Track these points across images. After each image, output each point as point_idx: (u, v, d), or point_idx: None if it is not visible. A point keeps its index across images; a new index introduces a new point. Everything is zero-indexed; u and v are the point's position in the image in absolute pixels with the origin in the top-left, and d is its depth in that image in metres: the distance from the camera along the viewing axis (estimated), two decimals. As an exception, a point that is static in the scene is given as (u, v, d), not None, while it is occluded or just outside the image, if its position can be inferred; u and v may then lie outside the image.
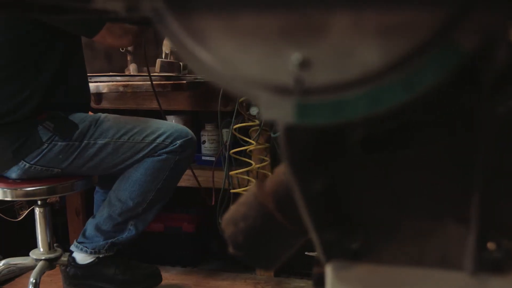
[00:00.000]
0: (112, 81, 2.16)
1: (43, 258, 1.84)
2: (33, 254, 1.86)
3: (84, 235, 1.89)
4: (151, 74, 2.13)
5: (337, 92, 0.38)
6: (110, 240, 1.86)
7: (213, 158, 2.32)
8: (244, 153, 2.20)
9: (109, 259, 1.87)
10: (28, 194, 1.76)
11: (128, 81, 2.15)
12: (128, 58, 2.48)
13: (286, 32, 0.38)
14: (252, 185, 0.65)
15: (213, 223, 2.36)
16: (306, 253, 2.28)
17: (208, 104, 2.27)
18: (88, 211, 2.52)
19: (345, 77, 0.38)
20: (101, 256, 1.86)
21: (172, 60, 2.22)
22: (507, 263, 0.50)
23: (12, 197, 1.77)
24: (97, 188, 2.06)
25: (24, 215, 2.29)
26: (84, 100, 1.91)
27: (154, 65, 2.32)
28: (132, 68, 2.44)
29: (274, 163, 2.21)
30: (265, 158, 2.20)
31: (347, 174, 0.51)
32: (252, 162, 2.15)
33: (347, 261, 0.57)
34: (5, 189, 1.74)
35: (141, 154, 1.80)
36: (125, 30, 1.83)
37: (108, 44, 1.87)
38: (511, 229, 0.50)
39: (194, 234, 2.41)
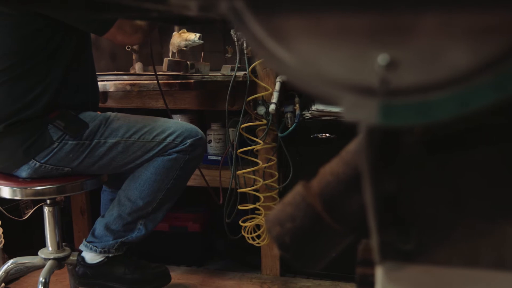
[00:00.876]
0: (119, 80, 2.15)
1: (52, 257, 1.83)
2: (42, 253, 1.85)
3: (93, 235, 1.88)
4: (159, 73, 2.12)
5: (424, 93, 0.38)
6: (119, 240, 1.85)
7: (219, 158, 2.32)
8: (250, 153, 2.20)
9: (118, 259, 1.87)
10: (37, 193, 1.74)
11: (135, 80, 2.14)
12: (134, 57, 2.47)
13: (372, 32, 0.38)
14: (298, 186, 0.64)
15: (219, 223, 2.36)
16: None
17: (215, 103, 2.27)
18: (93, 211, 2.51)
19: (432, 78, 0.38)
20: (110, 255, 1.86)
21: (179, 59, 2.21)
22: None
23: (21, 196, 1.75)
24: (104, 187, 2.05)
25: (29, 214, 2.27)
26: (94, 98, 1.90)
27: (159, 64, 2.32)
28: (137, 67, 2.44)
29: (281, 163, 2.21)
30: (272, 157, 2.19)
31: (410, 175, 0.51)
32: (259, 161, 2.15)
33: (399, 262, 0.57)
34: (14, 188, 1.72)
35: (151, 153, 1.79)
36: (136, 28, 1.82)
37: (118, 42, 1.85)
38: None
39: (199, 233, 2.40)
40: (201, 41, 2.11)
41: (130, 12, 0.61)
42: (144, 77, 2.16)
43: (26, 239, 2.33)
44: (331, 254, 0.66)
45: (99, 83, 2.04)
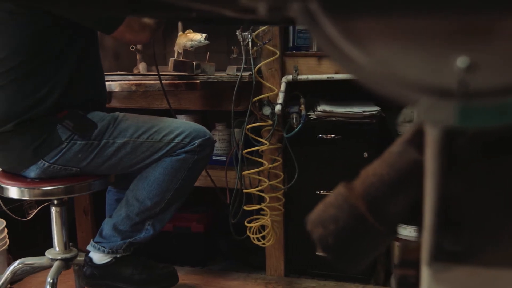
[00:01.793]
0: (124, 80, 2.15)
1: (59, 257, 1.82)
2: (49, 254, 1.84)
3: (101, 235, 1.87)
4: (165, 73, 2.12)
5: (503, 96, 0.38)
6: (127, 240, 1.84)
7: (223, 158, 2.31)
8: (255, 153, 2.20)
9: (126, 259, 1.86)
10: (45, 193, 1.73)
11: (140, 80, 2.13)
12: (137, 57, 2.46)
13: (452, 35, 0.38)
14: (339, 187, 0.65)
15: (222, 223, 2.36)
16: (317, 253, 2.28)
17: (220, 103, 2.26)
18: (96, 211, 2.50)
19: (512, 81, 0.38)
20: (118, 256, 1.85)
21: (184, 59, 2.21)
22: None
23: (29, 197, 1.74)
24: (109, 188, 2.04)
25: (33, 215, 2.26)
26: (102, 98, 1.89)
27: (162, 64, 2.31)
28: (141, 67, 2.43)
29: (286, 163, 2.22)
30: (277, 158, 2.20)
31: (465, 176, 0.51)
32: (264, 162, 2.15)
33: (446, 263, 0.58)
34: (22, 188, 1.71)
35: (159, 154, 1.79)
36: (143, 26, 1.82)
37: (126, 40, 1.85)
38: None
39: (203, 234, 2.40)
40: (207, 41, 2.10)
41: (169, 12, 0.61)
42: (150, 77, 2.16)
43: (30, 239, 2.31)
44: (373, 254, 0.66)
45: (105, 83, 2.03)
